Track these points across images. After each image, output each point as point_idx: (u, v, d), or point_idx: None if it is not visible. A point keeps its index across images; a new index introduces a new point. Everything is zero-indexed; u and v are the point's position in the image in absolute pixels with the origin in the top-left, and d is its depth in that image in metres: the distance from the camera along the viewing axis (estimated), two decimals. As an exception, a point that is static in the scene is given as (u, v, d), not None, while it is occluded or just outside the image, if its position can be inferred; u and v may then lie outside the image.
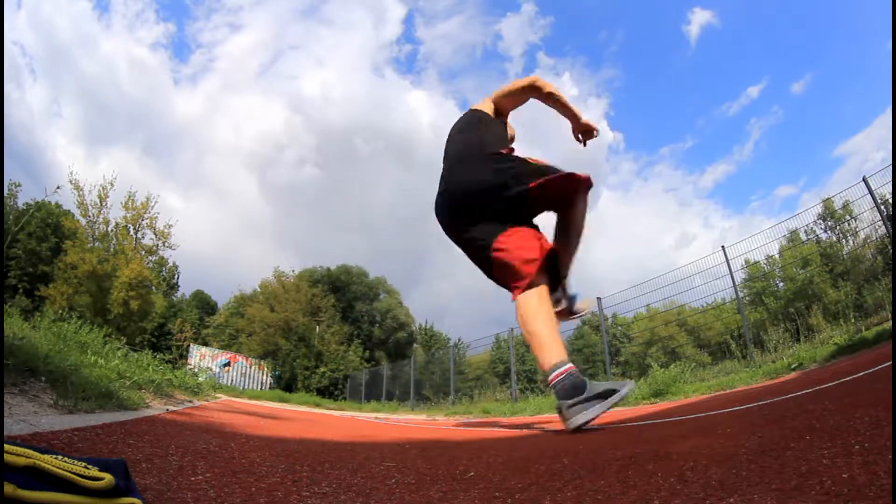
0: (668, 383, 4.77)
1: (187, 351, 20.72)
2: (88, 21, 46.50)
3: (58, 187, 17.52)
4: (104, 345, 3.49)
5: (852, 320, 5.97)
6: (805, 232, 8.54)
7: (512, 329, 11.09)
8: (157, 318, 25.97)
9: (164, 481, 0.73)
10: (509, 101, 2.30)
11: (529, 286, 1.87)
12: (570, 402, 1.63)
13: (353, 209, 54.01)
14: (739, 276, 7.71)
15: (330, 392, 21.06)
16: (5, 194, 20.70)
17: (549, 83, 2.24)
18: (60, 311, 4.89)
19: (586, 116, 2.28)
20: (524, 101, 2.32)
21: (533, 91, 2.25)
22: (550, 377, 1.71)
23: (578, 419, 1.61)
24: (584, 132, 2.34)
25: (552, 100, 2.25)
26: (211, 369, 13.47)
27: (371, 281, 29.19)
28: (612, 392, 1.66)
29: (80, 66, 47.13)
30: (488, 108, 2.30)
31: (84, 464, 0.50)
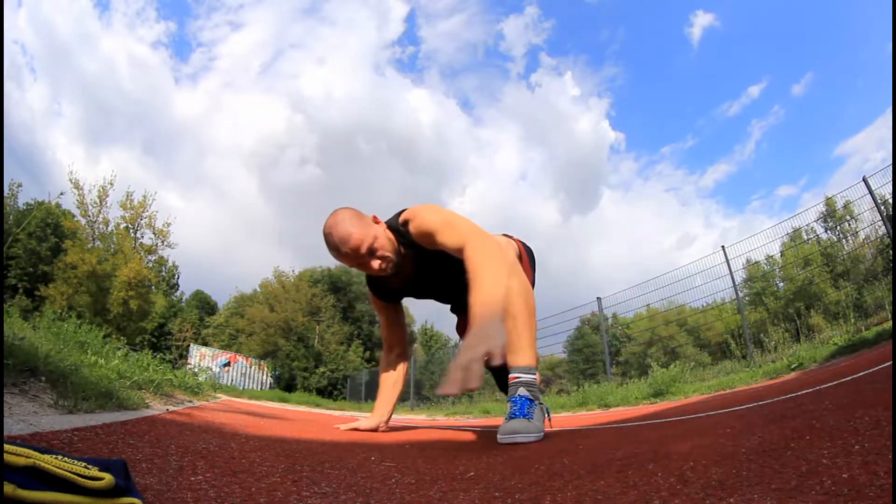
0: (668, 383, 4.78)
1: (187, 351, 20.72)
2: (89, 19, 46.58)
3: (61, 193, 17.70)
4: (104, 345, 3.49)
5: (852, 320, 5.97)
6: (806, 232, 8.55)
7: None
8: (157, 318, 26.00)
9: (164, 481, 0.73)
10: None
11: None
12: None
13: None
14: (740, 276, 7.72)
15: (329, 392, 21.06)
16: (5, 194, 20.71)
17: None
18: (60, 311, 4.90)
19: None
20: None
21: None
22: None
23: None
24: None
25: None
26: (211, 369, 13.48)
27: (371, 280, 29.12)
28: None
29: (80, 64, 47.21)
30: None
31: (84, 464, 0.50)
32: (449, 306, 2.17)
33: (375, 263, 1.65)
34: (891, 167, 5.92)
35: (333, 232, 1.65)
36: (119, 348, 3.73)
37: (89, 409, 1.51)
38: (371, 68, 62.73)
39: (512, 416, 1.34)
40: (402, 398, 14.60)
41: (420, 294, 2.01)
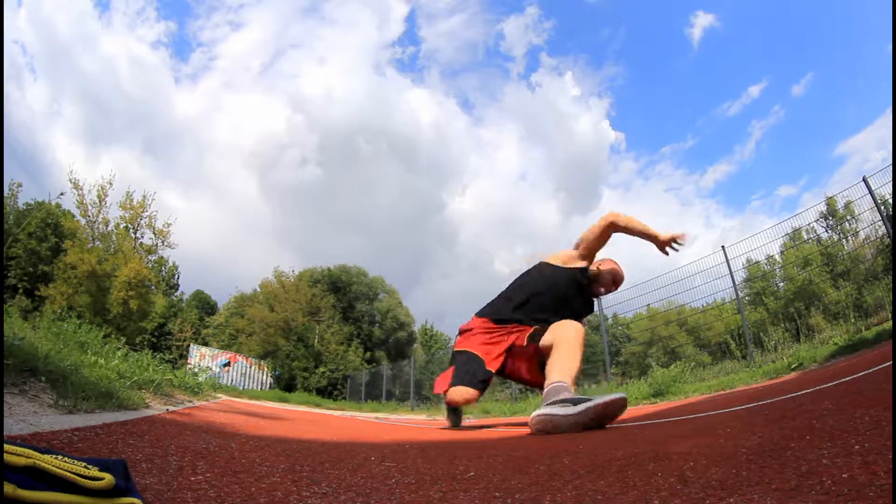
0: (668, 383, 4.78)
1: (187, 351, 20.71)
2: (89, 19, 46.52)
3: (61, 193, 17.67)
4: (104, 345, 3.49)
5: (852, 320, 5.97)
6: (806, 231, 8.54)
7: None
8: (157, 318, 25.95)
9: (164, 481, 0.73)
10: (596, 245, 2.57)
11: None
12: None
13: (355, 209, 54.04)
14: (740, 275, 7.70)
15: (329, 392, 21.04)
16: (5, 194, 20.70)
17: (624, 216, 2.51)
18: (60, 311, 4.90)
19: (662, 228, 2.55)
20: (608, 240, 2.59)
21: (614, 228, 2.52)
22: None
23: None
24: (669, 244, 2.50)
25: (630, 230, 2.51)
26: (211, 369, 13.45)
27: (371, 280, 29.20)
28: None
29: (80, 64, 47.18)
30: (577, 261, 2.61)
31: (84, 464, 0.50)
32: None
33: (609, 291, 2.71)
34: (891, 167, 5.92)
35: (621, 272, 2.72)
36: (119, 348, 3.73)
37: (89, 409, 1.51)
38: (371, 68, 62.74)
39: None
40: (402, 398, 14.61)
41: (557, 302, 2.60)
